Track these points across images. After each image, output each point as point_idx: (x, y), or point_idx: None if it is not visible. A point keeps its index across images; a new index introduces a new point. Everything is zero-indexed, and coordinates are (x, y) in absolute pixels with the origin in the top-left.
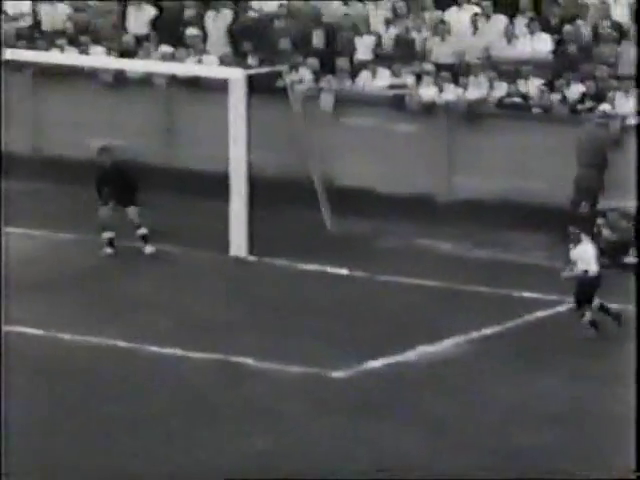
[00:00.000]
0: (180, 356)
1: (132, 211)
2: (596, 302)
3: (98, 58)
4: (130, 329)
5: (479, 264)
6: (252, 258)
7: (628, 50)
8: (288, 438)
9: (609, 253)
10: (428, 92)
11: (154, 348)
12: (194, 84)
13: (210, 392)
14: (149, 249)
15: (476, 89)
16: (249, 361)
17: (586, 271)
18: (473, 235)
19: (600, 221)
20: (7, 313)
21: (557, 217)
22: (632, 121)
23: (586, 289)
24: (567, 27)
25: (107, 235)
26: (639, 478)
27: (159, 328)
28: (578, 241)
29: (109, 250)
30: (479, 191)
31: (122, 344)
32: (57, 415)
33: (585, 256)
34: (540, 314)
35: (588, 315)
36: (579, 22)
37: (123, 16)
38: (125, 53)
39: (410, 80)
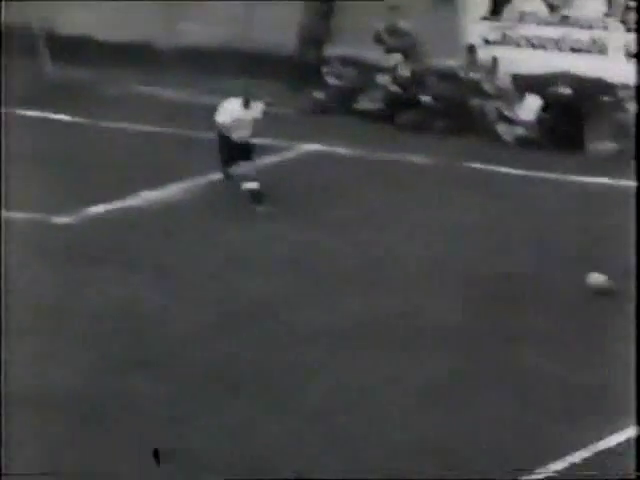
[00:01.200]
0: None
1: None
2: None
3: None
4: None
5: (203, 110)
6: None
7: None
8: (14, 284)
9: (336, 100)
10: None
11: None
12: None
13: None
14: None
15: None
16: None
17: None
18: (197, 82)
19: (325, 69)
20: None
21: (282, 65)
22: None
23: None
24: None
25: None
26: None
27: None
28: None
29: None
30: (202, 37)
31: None
32: None
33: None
34: (268, 160)
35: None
36: None
37: None
38: None
39: None
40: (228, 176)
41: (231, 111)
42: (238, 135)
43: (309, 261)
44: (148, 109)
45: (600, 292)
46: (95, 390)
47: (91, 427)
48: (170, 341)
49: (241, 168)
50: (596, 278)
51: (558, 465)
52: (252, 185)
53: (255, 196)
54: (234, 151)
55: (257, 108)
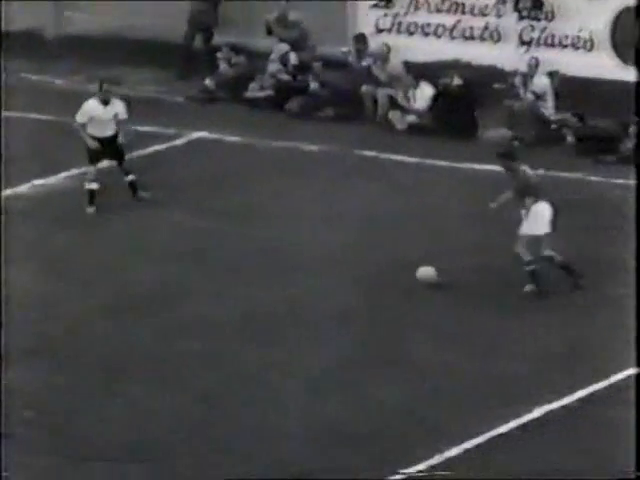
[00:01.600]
0: None
1: None
2: None
3: None
4: None
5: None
6: None
7: None
8: None
9: (226, 88)
10: None
11: None
12: None
13: None
14: None
15: None
16: None
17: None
18: (85, 70)
19: (219, 55)
20: None
21: (171, 52)
22: None
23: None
24: None
25: None
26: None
27: None
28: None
29: None
30: (90, 26)
31: None
32: None
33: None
34: (158, 148)
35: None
36: None
37: None
38: None
39: None
40: (99, 171)
41: (89, 110)
42: (101, 133)
43: (199, 249)
44: (37, 97)
45: (430, 285)
46: None
47: None
48: (58, 330)
49: (118, 165)
50: (425, 272)
51: (453, 452)
52: (129, 178)
53: (134, 188)
54: (99, 149)
55: (117, 105)
